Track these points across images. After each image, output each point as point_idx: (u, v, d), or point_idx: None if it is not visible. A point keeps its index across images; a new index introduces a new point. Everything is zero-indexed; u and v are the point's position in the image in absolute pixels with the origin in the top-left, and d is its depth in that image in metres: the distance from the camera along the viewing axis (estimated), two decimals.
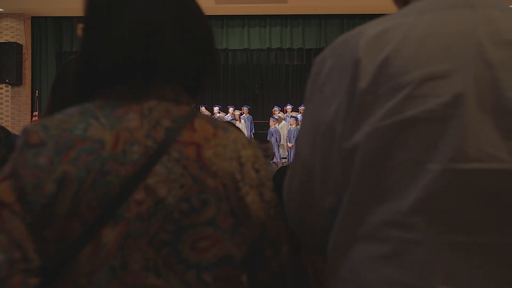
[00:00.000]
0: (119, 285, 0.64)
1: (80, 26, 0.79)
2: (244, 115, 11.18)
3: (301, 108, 10.87)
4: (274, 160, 10.45)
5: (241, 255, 0.73)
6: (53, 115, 0.70)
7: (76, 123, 0.68)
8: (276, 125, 10.78)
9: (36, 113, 10.51)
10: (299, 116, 10.48)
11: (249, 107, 11.57)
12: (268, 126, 10.92)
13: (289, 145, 10.35)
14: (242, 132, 0.77)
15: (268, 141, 3.50)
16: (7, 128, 3.14)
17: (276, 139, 10.52)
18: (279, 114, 11.04)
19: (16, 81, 10.10)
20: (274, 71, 13.17)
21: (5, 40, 10.28)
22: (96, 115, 0.69)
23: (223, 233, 0.70)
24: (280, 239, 0.77)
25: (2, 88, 10.44)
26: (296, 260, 0.80)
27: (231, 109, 11.20)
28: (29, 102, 10.74)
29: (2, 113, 10.41)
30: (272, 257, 0.76)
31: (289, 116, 10.91)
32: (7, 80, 10.00)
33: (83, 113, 0.69)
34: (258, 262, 0.75)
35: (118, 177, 0.65)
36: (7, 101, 10.46)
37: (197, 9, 0.77)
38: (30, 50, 10.69)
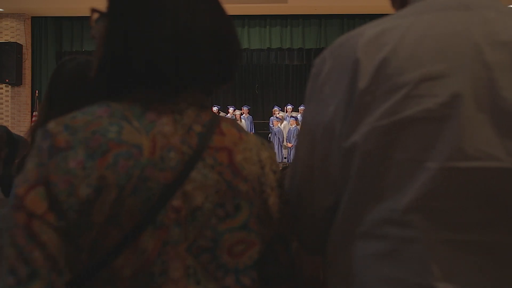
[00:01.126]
0: None
1: (95, 16, 0.75)
2: (244, 115, 11.18)
3: (301, 108, 10.87)
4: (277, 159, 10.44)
5: (261, 254, 0.74)
6: (73, 113, 0.67)
7: (106, 125, 0.65)
8: (279, 124, 10.79)
9: (36, 113, 10.51)
10: (299, 116, 10.48)
11: (249, 107, 11.57)
12: (268, 126, 10.92)
13: (289, 145, 10.35)
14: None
15: (270, 142, 3.51)
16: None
17: (279, 139, 10.53)
18: (280, 114, 11.05)
19: (16, 81, 10.10)
20: (274, 71, 13.17)
21: (5, 40, 10.28)
22: (126, 116, 0.67)
23: (256, 235, 0.71)
24: (291, 235, 0.78)
25: (2, 88, 10.44)
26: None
27: (231, 109, 11.20)
28: (29, 102, 10.74)
29: (2, 113, 10.41)
30: (281, 252, 0.77)
31: (289, 116, 10.91)
32: (7, 80, 10.00)
33: (112, 114, 0.67)
34: (267, 256, 0.76)
35: (158, 184, 0.64)
36: (7, 101, 10.46)
37: (225, 12, 0.76)
38: (30, 50, 10.69)
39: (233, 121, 0.77)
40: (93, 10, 0.75)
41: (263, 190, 0.73)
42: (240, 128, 0.75)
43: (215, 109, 11.01)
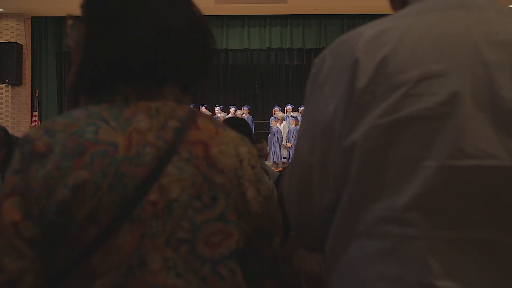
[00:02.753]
0: (138, 284, 0.65)
1: (70, 22, 0.78)
2: (244, 115, 11.20)
3: (302, 108, 10.89)
4: (275, 160, 10.48)
5: (242, 248, 0.75)
6: (53, 118, 0.70)
7: (84, 126, 0.67)
8: (278, 124, 10.80)
9: (36, 113, 10.52)
10: (299, 116, 10.50)
11: (249, 107, 11.59)
12: (268, 126, 10.93)
13: (289, 145, 10.36)
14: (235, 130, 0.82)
15: (262, 141, 3.49)
16: (7, 128, 3.17)
17: (277, 138, 10.54)
18: (280, 114, 11.06)
19: (16, 81, 10.10)
20: (274, 71, 13.18)
21: (5, 40, 10.28)
22: (104, 117, 0.69)
23: (233, 226, 0.72)
24: (273, 230, 0.80)
25: (2, 88, 10.44)
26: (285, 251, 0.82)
27: (232, 109, 11.22)
28: (29, 102, 10.75)
29: (2, 113, 10.42)
30: (263, 247, 0.79)
31: (289, 116, 10.93)
32: (7, 80, 10.01)
33: (89, 115, 0.69)
34: (249, 252, 0.78)
35: (134, 179, 0.66)
36: (7, 101, 10.46)
37: (199, 11, 0.79)
38: (30, 50, 10.70)
39: (210, 117, 0.78)
40: (70, 17, 0.78)
41: (241, 183, 0.74)
42: (217, 123, 0.77)
43: (217, 109, 11.05)
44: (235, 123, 2.41)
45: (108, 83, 0.73)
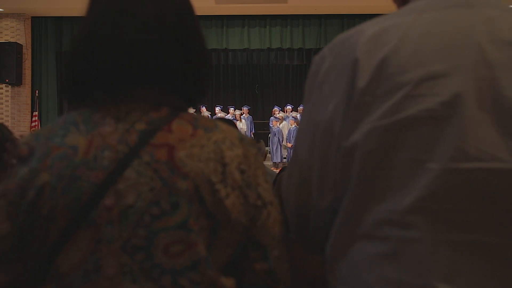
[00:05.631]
0: None
1: None
2: (244, 115, 11.19)
3: (300, 108, 10.89)
4: (275, 160, 10.48)
5: (225, 258, 0.70)
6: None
7: (58, 130, 0.70)
8: (278, 124, 10.80)
9: (36, 113, 10.52)
10: (298, 116, 10.50)
11: (249, 107, 11.58)
12: (268, 126, 10.93)
13: (289, 145, 10.35)
14: (235, 129, 0.76)
15: (260, 141, 3.46)
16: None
17: (278, 139, 10.53)
18: (280, 114, 11.06)
19: (16, 81, 10.11)
20: (274, 71, 13.18)
21: (5, 40, 10.29)
22: (76, 121, 0.71)
23: (196, 236, 0.67)
24: (270, 242, 0.73)
25: (2, 88, 10.44)
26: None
27: (231, 109, 11.22)
28: (29, 102, 10.75)
29: (2, 113, 10.41)
30: (257, 260, 0.72)
31: (289, 116, 10.93)
32: (7, 80, 10.01)
33: (66, 120, 0.71)
34: (243, 263, 0.73)
35: (89, 183, 0.66)
36: (7, 101, 10.46)
37: (185, 8, 0.76)
38: (30, 50, 10.69)
39: (195, 119, 0.73)
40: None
41: (216, 189, 0.68)
42: (200, 125, 0.72)
43: (218, 109, 11.04)
44: None
45: (82, 87, 0.73)
